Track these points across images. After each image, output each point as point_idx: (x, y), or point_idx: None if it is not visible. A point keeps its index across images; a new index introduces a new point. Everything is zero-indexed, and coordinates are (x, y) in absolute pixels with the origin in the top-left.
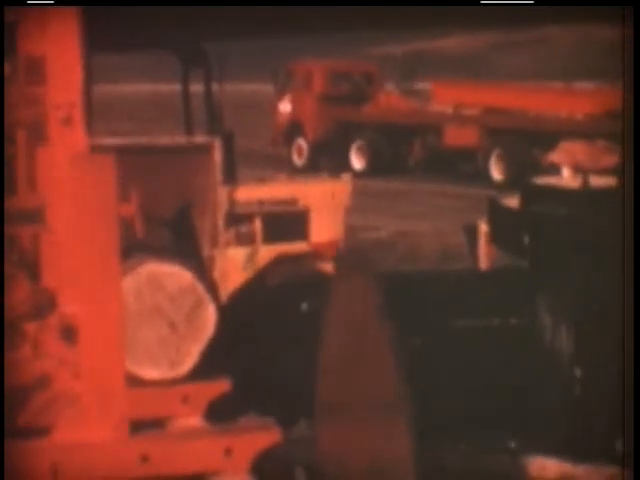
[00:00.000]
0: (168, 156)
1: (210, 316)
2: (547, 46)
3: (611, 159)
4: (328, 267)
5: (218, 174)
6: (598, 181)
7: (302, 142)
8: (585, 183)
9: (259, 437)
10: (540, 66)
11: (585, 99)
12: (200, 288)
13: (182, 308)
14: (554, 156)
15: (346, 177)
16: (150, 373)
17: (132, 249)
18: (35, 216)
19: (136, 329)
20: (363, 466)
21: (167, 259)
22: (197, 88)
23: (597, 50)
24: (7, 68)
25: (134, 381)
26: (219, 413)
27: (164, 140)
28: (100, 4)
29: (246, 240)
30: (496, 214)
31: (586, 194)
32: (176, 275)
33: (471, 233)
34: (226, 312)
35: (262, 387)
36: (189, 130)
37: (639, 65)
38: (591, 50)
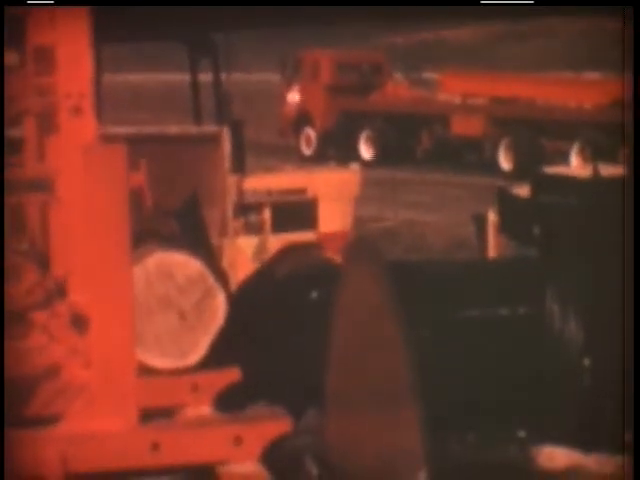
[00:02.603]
0: (177, 145)
1: (220, 305)
2: (553, 36)
3: None
4: (337, 256)
5: (227, 163)
6: (608, 170)
7: (310, 132)
8: (595, 172)
9: (269, 426)
10: (546, 56)
11: (593, 89)
12: (210, 278)
13: (192, 298)
14: None
15: (354, 167)
16: (160, 362)
17: (142, 237)
18: (44, 186)
19: (146, 318)
20: (372, 456)
21: (176, 248)
22: (206, 78)
23: (603, 40)
24: (15, 58)
25: (144, 370)
26: (228, 402)
27: (173, 129)
28: (98, 4)
29: (255, 229)
30: (506, 203)
31: (596, 183)
32: (186, 265)
33: (480, 222)
34: (235, 301)
35: (271, 377)
36: (198, 119)
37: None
38: (597, 40)
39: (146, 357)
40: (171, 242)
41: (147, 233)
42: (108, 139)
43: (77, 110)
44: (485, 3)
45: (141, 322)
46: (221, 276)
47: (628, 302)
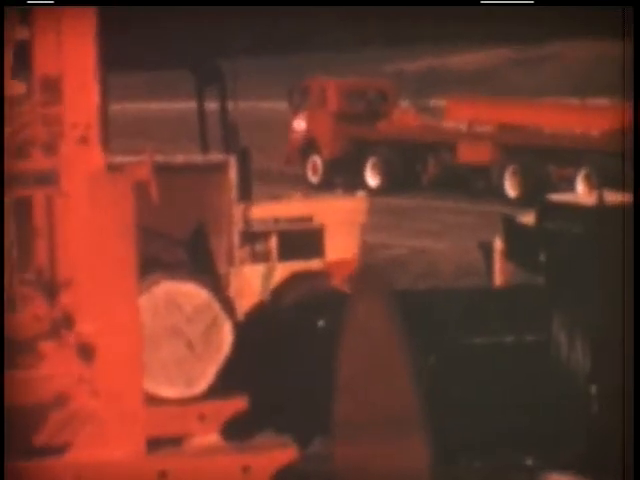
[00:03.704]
0: (184, 174)
1: (226, 335)
2: (561, 63)
3: None
4: (344, 285)
5: (233, 192)
6: (613, 198)
7: (317, 159)
8: (600, 200)
9: (276, 455)
10: (552, 82)
11: (600, 115)
12: (216, 307)
13: (199, 327)
14: None
15: (361, 194)
16: (167, 392)
17: (149, 266)
18: (49, 178)
19: (153, 348)
20: None
21: (183, 277)
22: (212, 106)
23: (611, 67)
24: (22, 88)
25: (151, 400)
26: (236, 431)
27: (179, 158)
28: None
29: (262, 258)
30: (512, 231)
31: (602, 211)
32: (192, 294)
33: (486, 250)
34: (242, 330)
35: (278, 405)
36: (204, 148)
37: (639, 65)
38: (605, 67)
39: (153, 386)
40: (178, 271)
41: (154, 262)
42: (115, 169)
43: (83, 140)
44: (485, 3)
45: (148, 351)
46: (228, 305)
47: (633, 329)
